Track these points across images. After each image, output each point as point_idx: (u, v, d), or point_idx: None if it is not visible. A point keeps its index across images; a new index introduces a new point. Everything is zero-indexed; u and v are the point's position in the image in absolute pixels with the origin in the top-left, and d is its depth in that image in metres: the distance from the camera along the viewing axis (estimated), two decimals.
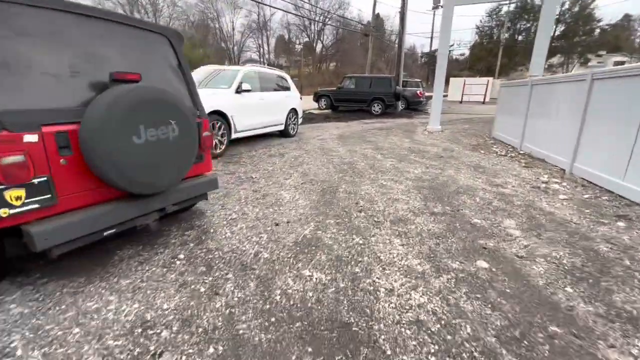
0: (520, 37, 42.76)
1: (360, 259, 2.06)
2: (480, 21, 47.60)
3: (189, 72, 2.29)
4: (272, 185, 3.49)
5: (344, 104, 13.31)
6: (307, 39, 51.72)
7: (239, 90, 5.03)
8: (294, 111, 6.91)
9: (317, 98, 13.91)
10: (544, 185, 3.75)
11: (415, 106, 14.94)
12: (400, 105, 14.06)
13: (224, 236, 2.33)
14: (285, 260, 2.02)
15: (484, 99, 20.92)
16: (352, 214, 2.77)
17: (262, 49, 50.53)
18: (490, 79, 22.26)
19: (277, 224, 2.54)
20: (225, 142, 4.73)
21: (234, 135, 4.97)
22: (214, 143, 4.50)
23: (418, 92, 14.60)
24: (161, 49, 2.10)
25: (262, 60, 53.28)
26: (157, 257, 2.01)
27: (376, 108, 12.53)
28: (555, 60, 42.24)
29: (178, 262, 1.97)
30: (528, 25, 41.21)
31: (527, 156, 5.38)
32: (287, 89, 6.82)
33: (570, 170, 4.16)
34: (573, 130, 4.08)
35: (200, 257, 2.04)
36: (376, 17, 41.04)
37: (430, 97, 20.38)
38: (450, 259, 2.07)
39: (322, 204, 2.98)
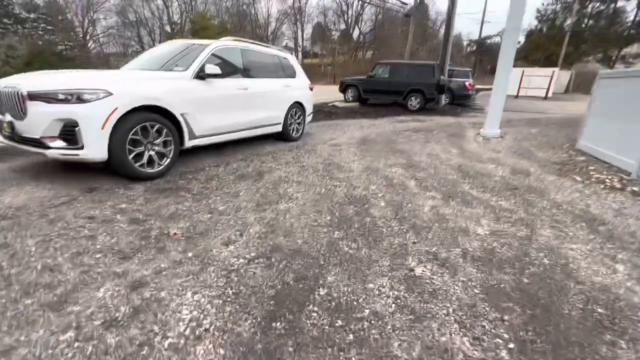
0: (590, 22, 36.71)
1: None
2: (543, 4, 41.79)
3: None
4: (174, 278, 1.76)
5: (375, 96, 11.20)
6: (344, 27, 49.05)
7: (201, 75, 3.33)
8: (298, 106, 5.11)
9: (344, 88, 11.91)
10: None
11: (462, 101, 12.42)
12: (444, 100, 11.67)
13: None
14: None
15: (547, 93, 17.55)
16: None
17: (296, 36, 48.84)
18: (555, 69, 18.68)
19: None
20: (170, 155, 3.08)
21: (190, 143, 3.31)
22: (146, 156, 2.88)
23: (467, 83, 12.05)
24: None
25: (296, 47, 51.61)
26: None
27: (413, 102, 10.30)
28: (634, 50, 35.79)
29: None
30: (602, 7, 35.15)
31: None
32: (291, 75, 5.03)
33: None
34: None
35: None
36: (420, 1, 37.40)
37: (479, 90, 17.41)
38: None
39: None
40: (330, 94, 14.75)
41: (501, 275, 1.76)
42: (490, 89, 23.93)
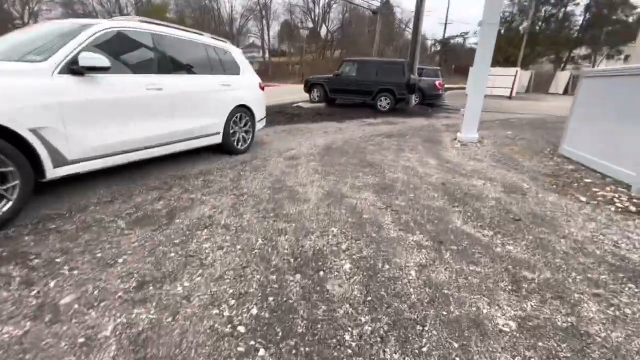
0: (543, 25, 38.72)
1: None
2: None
3: None
4: None
5: (342, 96, 10.33)
6: (311, 25, 48.12)
7: (75, 69, 2.20)
8: (245, 110, 4.07)
9: (309, 88, 10.93)
10: None
11: (432, 100, 11.94)
12: (414, 100, 11.10)
13: None
14: None
15: (511, 92, 17.78)
16: None
17: (262, 33, 47.17)
18: (518, 69, 19.03)
19: None
20: (12, 196, 1.94)
21: (57, 173, 2.16)
22: None
23: (437, 82, 11.57)
24: None
25: (263, 45, 49.79)
26: None
27: (383, 103, 9.58)
28: (580, 52, 38.22)
29: None
30: (554, 11, 37.17)
31: None
32: (233, 72, 3.97)
33: None
34: None
35: None
36: (386, 1, 37.37)
37: (447, 90, 17.24)
38: None
39: None
40: (297, 93, 13.75)
41: None
42: (457, 88, 24.18)
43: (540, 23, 38.17)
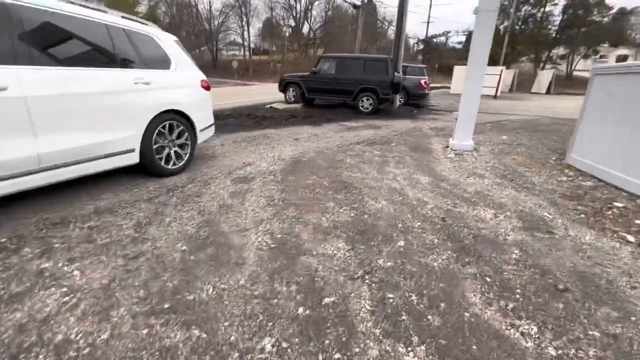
0: (523, 25, 39.11)
1: None
2: None
3: None
4: None
5: (321, 96, 9.35)
6: (293, 23, 46.93)
7: None
8: (178, 118, 3.03)
9: (284, 87, 9.89)
10: None
11: (418, 101, 11.15)
12: (399, 100, 10.27)
13: None
14: None
15: (496, 92, 17.33)
16: None
17: (243, 31, 45.61)
18: (503, 68, 18.64)
19: None
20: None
21: None
22: None
23: (422, 81, 10.79)
24: None
25: (244, 44, 48.10)
26: None
27: (365, 103, 8.66)
28: (558, 52, 38.78)
29: None
30: (533, 11, 37.51)
31: None
32: (158, 64, 2.92)
33: None
34: None
35: None
36: (369, 1, 36.72)
37: (432, 89, 16.58)
38: None
39: None
40: (275, 93, 12.68)
41: None
42: (442, 87, 23.63)
43: (519, 23, 38.49)
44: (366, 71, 8.59)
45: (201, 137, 3.40)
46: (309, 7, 44.59)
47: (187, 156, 3.20)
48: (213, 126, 3.72)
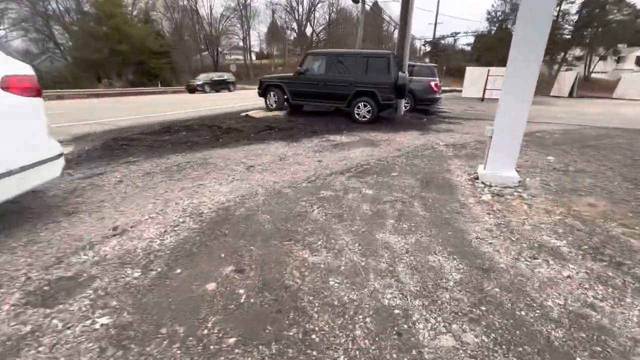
0: None
1: None
2: (492, 6, 42.07)
3: None
4: None
5: (307, 101, 7.60)
6: (295, 26, 45.61)
7: None
8: None
9: (264, 91, 8.15)
10: None
11: (426, 106, 9.39)
12: (404, 105, 8.53)
13: None
14: None
15: None
16: None
17: (245, 34, 44.43)
18: None
19: None
20: None
21: None
22: None
23: (433, 83, 9.03)
24: None
25: (245, 47, 46.80)
26: None
27: (362, 111, 6.90)
28: (575, 53, 36.52)
29: None
30: None
31: None
32: None
33: None
34: None
35: None
36: (374, 3, 35.13)
37: (443, 92, 14.79)
38: None
39: None
40: (255, 100, 11.09)
41: None
42: (452, 91, 21.77)
43: None
44: (363, 70, 6.86)
45: (22, 187, 1.71)
46: (312, 9, 43.27)
47: None
48: (58, 160, 2.03)
